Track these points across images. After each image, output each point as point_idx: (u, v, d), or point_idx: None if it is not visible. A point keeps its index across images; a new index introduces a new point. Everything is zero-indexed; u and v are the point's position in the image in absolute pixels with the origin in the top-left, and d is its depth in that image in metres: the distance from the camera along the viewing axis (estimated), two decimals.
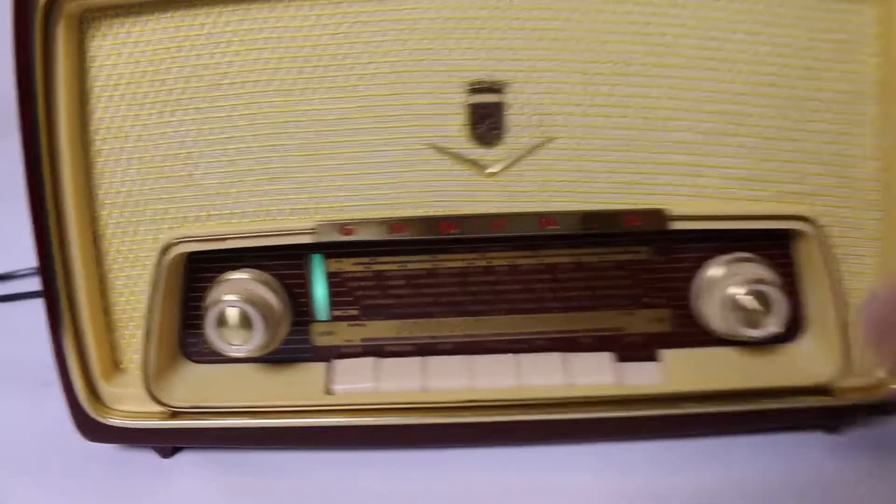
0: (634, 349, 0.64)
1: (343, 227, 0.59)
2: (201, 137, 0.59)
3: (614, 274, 0.63)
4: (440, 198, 0.59)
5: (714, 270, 0.61)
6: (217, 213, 0.60)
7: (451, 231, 0.58)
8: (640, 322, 0.64)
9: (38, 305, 0.65)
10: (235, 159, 0.59)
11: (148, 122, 0.59)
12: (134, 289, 0.62)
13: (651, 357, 0.64)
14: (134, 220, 0.61)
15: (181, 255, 0.60)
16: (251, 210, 0.60)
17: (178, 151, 0.59)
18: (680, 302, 0.63)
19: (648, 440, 0.66)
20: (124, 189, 0.60)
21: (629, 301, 0.63)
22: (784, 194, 0.60)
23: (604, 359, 0.63)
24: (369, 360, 0.64)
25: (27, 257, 0.90)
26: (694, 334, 0.64)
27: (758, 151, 0.59)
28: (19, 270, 0.93)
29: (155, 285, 0.60)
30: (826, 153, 0.59)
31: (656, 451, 0.65)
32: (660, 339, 0.64)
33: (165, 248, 0.60)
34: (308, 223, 0.59)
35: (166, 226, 0.60)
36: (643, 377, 0.63)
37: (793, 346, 0.63)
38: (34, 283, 0.88)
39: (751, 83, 0.58)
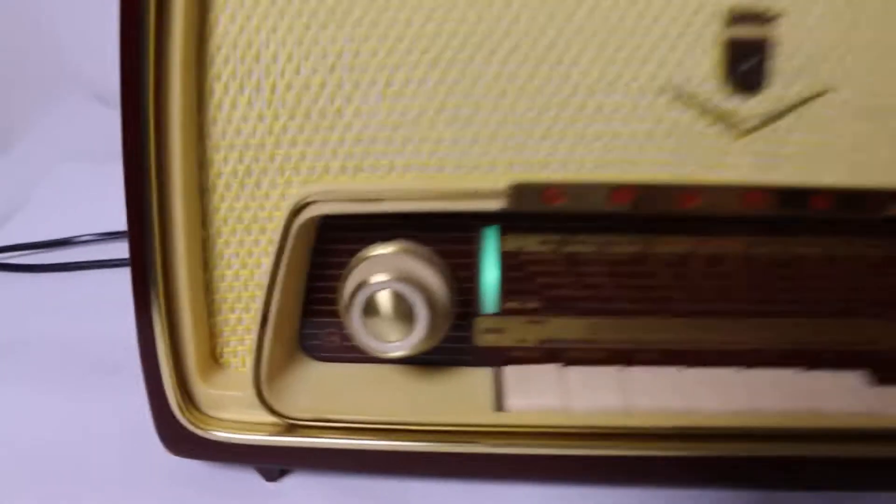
0: (891, 369, 0.50)
1: (545, 191, 0.44)
2: (358, 61, 0.44)
3: (878, 272, 0.48)
4: (678, 160, 0.45)
5: None
6: (371, 164, 0.46)
7: (691, 204, 0.44)
8: None
9: (101, 277, 0.52)
10: (403, 93, 0.44)
11: (287, 38, 0.44)
12: (247, 260, 0.49)
13: None
14: (257, 167, 0.47)
15: (316, 218, 0.46)
16: (418, 162, 0.45)
17: (326, 78, 0.45)
18: None
19: None
20: (247, 126, 0.46)
21: (888, 308, 0.49)
22: None
23: (856, 379, 0.49)
24: (551, 367, 0.50)
25: (88, 221, 0.78)
26: None
27: None
28: (80, 236, 0.80)
29: (280, 256, 0.46)
30: None
31: None
32: None
33: (298, 208, 0.46)
34: (496, 183, 0.45)
35: (300, 177, 0.46)
36: None
37: None
38: (95, 251, 0.75)
39: None
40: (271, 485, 0.53)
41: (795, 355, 0.50)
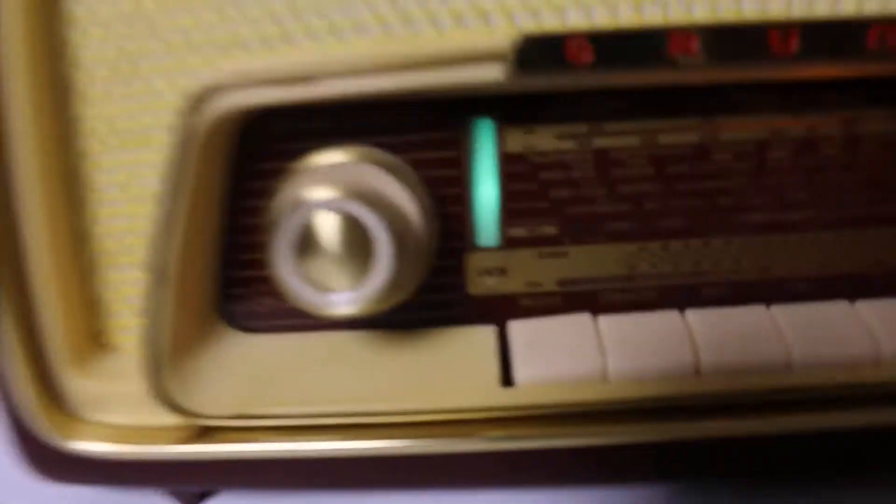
0: None
1: (567, 43, 0.29)
2: None
3: None
4: None
5: None
6: (302, 28, 0.31)
7: (790, 52, 0.30)
8: None
9: None
10: None
11: None
12: (131, 190, 0.33)
13: None
14: (132, 45, 0.33)
15: (228, 118, 0.32)
16: (372, 20, 0.31)
17: None
18: None
19: None
20: None
21: None
22: None
23: None
24: (582, 317, 0.36)
25: None
26: None
27: None
28: None
29: (177, 179, 0.31)
30: None
31: None
32: None
33: (197, 102, 0.31)
34: (492, 40, 0.30)
35: (198, 57, 0.32)
36: None
37: None
38: None
39: None
40: None
41: None
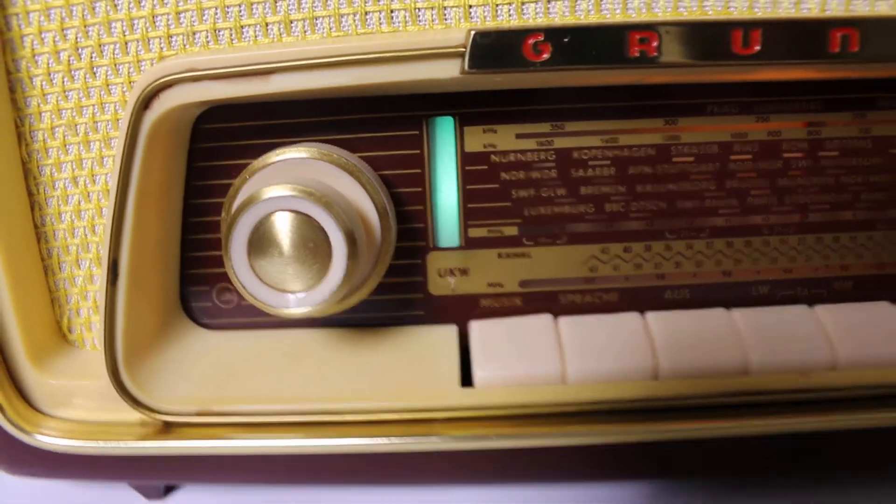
0: None
1: (526, 39, 0.25)
2: None
3: None
4: None
5: None
6: (255, 21, 0.27)
7: (752, 51, 0.25)
8: None
9: None
10: None
11: None
12: (90, 187, 0.30)
13: None
14: (87, 41, 0.29)
15: (182, 112, 0.28)
16: (326, 13, 0.27)
17: None
18: None
19: None
20: None
21: None
22: None
23: None
24: (542, 319, 0.31)
25: None
26: None
27: None
28: None
29: (125, 175, 0.27)
30: None
31: None
32: None
33: (148, 96, 0.27)
34: (448, 35, 0.26)
35: (151, 53, 0.28)
36: None
37: None
38: None
39: None
40: None
41: (876, 283, 0.32)
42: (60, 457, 0.32)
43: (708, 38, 0.26)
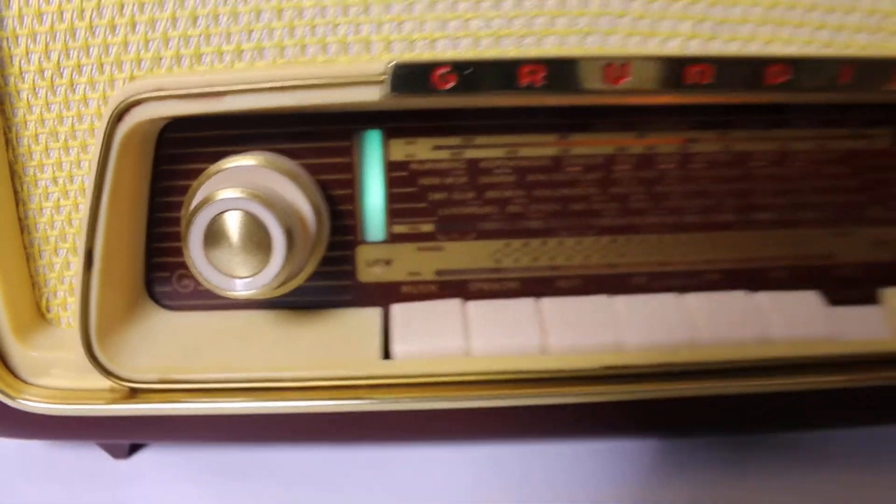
0: (846, 287, 0.38)
1: (434, 72, 0.31)
2: None
3: (834, 171, 0.37)
4: (599, 27, 0.32)
5: None
6: (212, 49, 0.32)
7: (622, 81, 0.31)
8: (860, 246, 0.38)
9: None
10: None
11: None
12: (68, 186, 0.35)
13: (869, 298, 0.39)
14: (68, 62, 0.33)
15: (149, 125, 0.33)
16: (271, 45, 0.32)
17: None
18: None
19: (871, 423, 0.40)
20: (51, 8, 0.32)
21: (848, 214, 0.37)
22: None
23: (811, 300, 0.37)
24: (453, 303, 0.37)
25: None
26: None
27: None
28: None
29: (100, 178, 0.32)
30: None
31: None
32: (884, 271, 0.38)
33: (121, 111, 0.32)
34: (372, 66, 0.31)
35: (123, 73, 0.33)
36: (863, 327, 0.38)
37: None
38: None
39: None
40: (122, 463, 0.40)
41: (738, 276, 0.38)
42: (40, 418, 0.36)
43: (586, 70, 0.32)
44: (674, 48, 0.32)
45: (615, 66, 0.31)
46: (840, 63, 0.32)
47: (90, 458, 0.40)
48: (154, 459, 0.40)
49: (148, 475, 0.39)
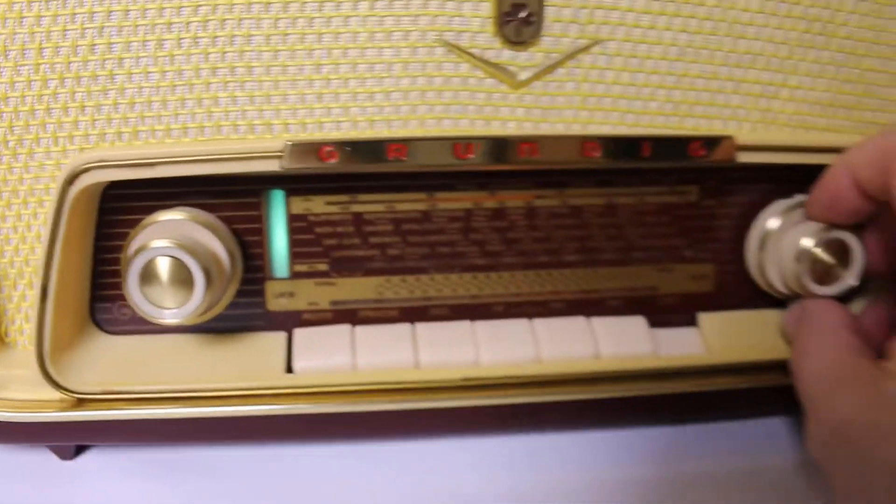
0: (669, 312, 0.48)
1: (321, 149, 0.40)
2: (127, 22, 0.39)
3: (654, 220, 0.46)
4: (453, 113, 0.41)
5: (778, 216, 0.45)
6: (146, 128, 0.40)
7: (469, 157, 0.40)
8: (679, 280, 0.48)
9: None
10: (175, 54, 0.39)
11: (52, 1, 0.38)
12: (27, 234, 0.43)
13: (689, 322, 0.49)
14: (29, 137, 0.41)
15: (95, 186, 0.41)
16: (194, 126, 0.41)
17: (95, 41, 0.39)
18: (726, 256, 0.47)
19: (686, 422, 0.50)
20: (15, 94, 0.40)
21: (668, 254, 0.47)
22: (865, 124, 0.44)
23: (638, 324, 0.47)
24: (343, 328, 0.46)
25: None
26: (738, 295, 0.48)
27: (843, 70, 0.43)
28: None
29: (55, 228, 0.40)
30: None
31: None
32: (699, 300, 0.48)
33: (72, 176, 0.40)
34: (272, 144, 0.40)
35: (74, 145, 0.41)
36: (683, 346, 0.47)
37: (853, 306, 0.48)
38: None
39: None
40: (67, 464, 0.47)
41: (579, 305, 0.47)
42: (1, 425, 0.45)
43: (439, 148, 0.41)
44: (511, 129, 0.41)
45: (462, 145, 0.40)
46: (641, 140, 0.42)
47: (39, 460, 0.48)
48: (96, 460, 0.48)
49: (91, 474, 0.47)
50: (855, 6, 0.42)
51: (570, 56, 0.41)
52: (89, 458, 0.48)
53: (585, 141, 0.41)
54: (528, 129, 0.41)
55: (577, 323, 0.47)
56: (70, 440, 0.46)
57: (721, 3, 0.41)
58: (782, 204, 0.45)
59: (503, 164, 0.41)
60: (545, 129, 0.42)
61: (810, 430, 0.38)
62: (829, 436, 0.37)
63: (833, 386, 0.37)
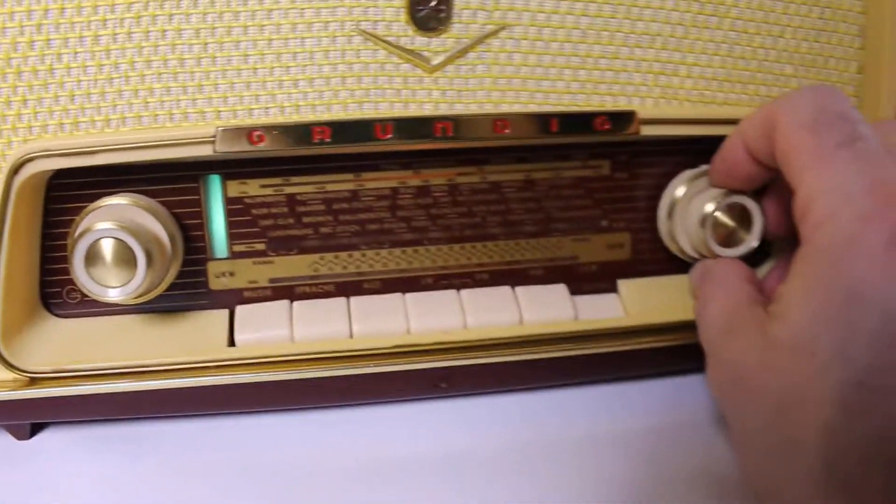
0: (590, 280, 0.52)
1: (251, 133, 0.43)
2: (64, 19, 0.42)
3: (570, 193, 0.50)
4: (372, 97, 0.45)
5: (684, 185, 0.49)
6: (87, 119, 0.43)
7: (388, 137, 0.44)
8: (597, 249, 0.52)
9: None
10: (111, 48, 0.43)
11: None
12: None
13: (609, 288, 0.53)
14: None
15: (39, 175, 0.44)
16: (131, 115, 0.44)
17: (33, 38, 0.42)
18: (640, 225, 0.51)
19: (608, 381, 0.54)
20: None
21: (585, 225, 0.51)
22: (760, 97, 0.48)
23: (559, 291, 0.51)
24: (282, 303, 0.49)
25: None
26: (654, 261, 0.53)
27: (736, 48, 0.47)
28: None
29: (2, 217, 0.44)
30: (805, 52, 0.48)
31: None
32: (617, 267, 0.52)
33: (16, 167, 0.43)
34: (205, 130, 0.44)
35: (18, 137, 0.44)
36: (603, 311, 0.51)
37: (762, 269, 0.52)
38: None
39: None
40: (24, 443, 0.50)
41: (502, 275, 0.51)
42: None
43: (360, 129, 0.44)
44: (428, 110, 0.45)
45: (381, 126, 0.44)
46: (549, 116, 0.45)
47: None
48: (52, 438, 0.50)
49: (47, 451, 0.50)
50: None
51: (480, 41, 0.44)
52: (45, 437, 0.51)
53: (497, 119, 0.45)
54: (443, 110, 0.45)
55: (502, 292, 0.50)
56: (25, 418, 0.49)
57: None
58: (687, 174, 0.49)
59: (421, 142, 0.45)
60: (459, 109, 0.45)
61: (709, 372, 0.42)
62: (724, 375, 0.41)
63: (728, 331, 0.41)
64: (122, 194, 0.46)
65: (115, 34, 0.42)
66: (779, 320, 0.38)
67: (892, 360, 0.35)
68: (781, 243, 0.50)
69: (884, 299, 0.35)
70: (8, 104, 0.43)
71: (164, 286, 0.46)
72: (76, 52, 0.43)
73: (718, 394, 0.42)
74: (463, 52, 0.44)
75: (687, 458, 0.49)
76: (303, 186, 0.48)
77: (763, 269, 0.51)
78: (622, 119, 0.46)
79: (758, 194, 0.47)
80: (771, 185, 0.47)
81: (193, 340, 0.48)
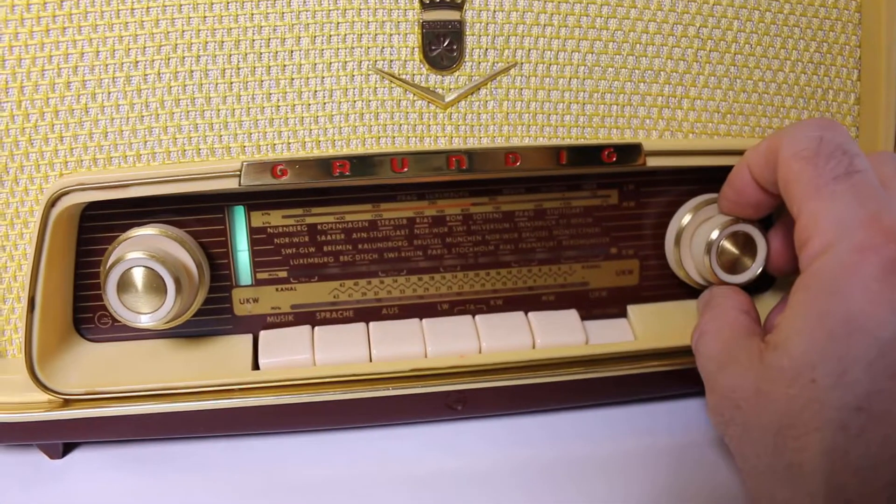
0: (600, 305, 0.55)
1: (274, 167, 0.47)
2: (98, 62, 0.46)
3: (580, 222, 0.53)
4: (389, 132, 0.48)
5: (690, 213, 0.52)
6: (119, 154, 0.47)
7: (404, 170, 0.47)
8: (607, 275, 0.55)
9: None
10: (142, 88, 0.46)
11: (30, 43, 0.45)
12: (14, 252, 0.49)
13: (619, 313, 0.56)
14: (13, 165, 0.47)
15: (74, 207, 0.48)
16: (161, 150, 0.47)
17: (70, 79, 0.46)
18: (648, 252, 0.54)
19: (618, 403, 0.57)
20: (0, 126, 0.46)
21: (595, 252, 0.54)
22: (761, 129, 0.51)
23: (571, 317, 0.54)
24: (304, 328, 0.52)
25: None
26: (662, 287, 0.55)
27: (737, 82, 0.50)
28: None
29: (39, 246, 0.47)
30: (805, 84, 0.51)
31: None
32: (627, 293, 0.55)
33: (53, 199, 0.47)
34: (231, 164, 0.47)
35: (55, 171, 0.47)
36: (614, 335, 0.54)
37: (765, 297, 0.55)
38: None
39: (735, 5, 0.49)
40: (56, 462, 0.53)
41: (514, 301, 0.54)
42: None
43: (378, 164, 0.48)
44: (442, 144, 0.48)
45: (398, 160, 0.47)
46: (557, 149, 0.49)
47: (27, 459, 0.53)
48: (84, 458, 0.53)
49: (79, 470, 0.53)
50: (742, 26, 0.49)
51: (491, 78, 0.48)
52: (76, 457, 0.54)
53: (508, 152, 0.48)
54: (457, 144, 0.48)
55: (515, 317, 0.53)
56: (58, 438, 0.52)
57: (622, 27, 0.48)
58: (693, 202, 0.52)
59: (435, 175, 0.48)
60: (472, 143, 0.48)
61: (708, 402, 0.45)
62: (723, 405, 0.44)
63: (725, 363, 0.44)
64: (151, 225, 0.49)
65: (146, 75, 0.46)
66: (777, 349, 0.41)
67: (889, 386, 0.37)
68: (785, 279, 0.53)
69: (878, 327, 0.37)
70: (46, 140, 0.47)
71: (191, 312, 0.50)
72: (110, 92, 0.46)
73: (719, 421, 0.44)
74: (475, 88, 0.48)
75: (692, 478, 0.52)
76: (323, 217, 0.51)
77: (766, 300, 0.55)
78: (629, 151, 0.49)
79: (765, 230, 0.50)
80: (778, 222, 0.50)
81: (219, 364, 0.51)
